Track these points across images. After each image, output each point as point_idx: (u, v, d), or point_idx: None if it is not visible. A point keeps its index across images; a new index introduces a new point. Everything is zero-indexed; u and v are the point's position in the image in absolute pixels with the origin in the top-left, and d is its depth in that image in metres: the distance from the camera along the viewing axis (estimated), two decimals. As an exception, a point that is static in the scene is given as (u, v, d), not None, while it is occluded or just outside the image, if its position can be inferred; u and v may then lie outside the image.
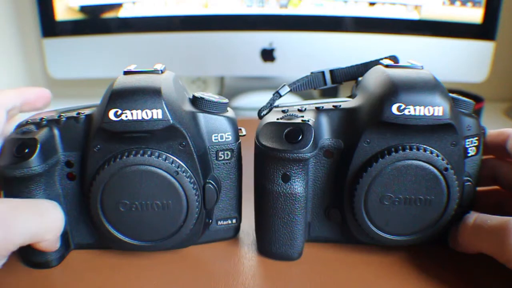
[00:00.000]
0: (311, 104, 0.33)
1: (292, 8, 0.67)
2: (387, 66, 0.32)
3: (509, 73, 0.82)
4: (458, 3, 0.64)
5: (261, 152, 0.31)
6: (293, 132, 0.30)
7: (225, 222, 0.35)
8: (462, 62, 0.67)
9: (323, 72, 0.37)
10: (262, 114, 0.34)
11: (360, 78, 0.35)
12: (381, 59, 0.35)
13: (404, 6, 0.65)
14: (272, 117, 0.32)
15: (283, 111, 0.33)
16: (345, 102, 0.33)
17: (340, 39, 0.68)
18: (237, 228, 0.36)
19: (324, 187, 0.33)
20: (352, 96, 0.35)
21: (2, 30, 0.81)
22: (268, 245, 0.33)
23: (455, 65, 0.67)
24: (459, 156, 0.30)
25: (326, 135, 0.32)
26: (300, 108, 0.33)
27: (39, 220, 0.28)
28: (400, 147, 0.30)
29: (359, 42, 0.67)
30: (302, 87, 0.37)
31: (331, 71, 0.37)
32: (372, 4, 0.66)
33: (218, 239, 0.35)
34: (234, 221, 0.35)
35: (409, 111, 0.28)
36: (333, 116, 0.32)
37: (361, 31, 0.67)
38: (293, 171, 0.31)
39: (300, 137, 0.30)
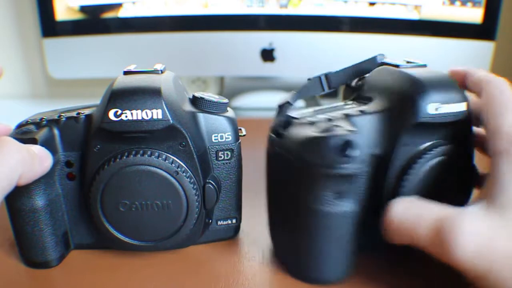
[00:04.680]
0: (330, 111, 0.31)
1: (292, 8, 0.67)
2: (397, 66, 0.32)
3: (509, 73, 0.82)
4: (458, 3, 0.64)
5: (307, 171, 0.28)
6: (345, 145, 0.27)
7: (225, 222, 0.35)
8: (462, 62, 0.67)
9: (319, 78, 0.35)
10: (285, 131, 0.30)
11: (367, 79, 0.34)
12: (373, 58, 0.34)
13: (404, 6, 0.65)
14: (306, 131, 0.28)
15: (311, 123, 0.29)
16: (364, 106, 0.31)
17: (340, 39, 0.68)
18: (237, 228, 0.36)
19: (365, 200, 0.30)
20: (359, 99, 0.33)
21: (2, 30, 0.81)
22: (311, 271, 0.30)
23: (455, 65, 0.67)
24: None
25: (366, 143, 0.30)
26: (329, 118, 0.30)
27: None
28: (433, 146, 0.30)
29: (359, 42, 0.67)
30: (304, 95, 0.35)
31: (327, 76, 0.35)
32: (372, 4, 0.66)
33: (218, 239, 0.35)
34: (234, 221, 0.35)
35: (442, 110, 0.29)
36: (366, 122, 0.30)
37: (361, 31, 0.67)
38: (346, 187, 0.28)
39: (353, 149, 0.27)
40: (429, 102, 0.29)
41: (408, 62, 0.33)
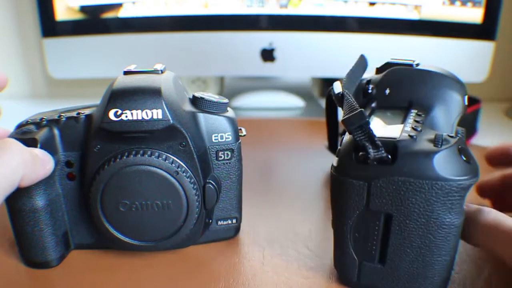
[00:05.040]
0: (394, 123, 0.29)
1: (292, 8, 0.67)
2: (412, 65, 0.33)
3: (509, 73, 0.82)
4: (458, 3, 0.64)
5: (442, 187, 0.25)
6: (464, 152, 0.26)
7: (225, 222, 0.35)
8: (462, 62, 0.67)
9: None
10: (393, 155, 0.26)
11: (389, 83, 0.33)
12: (362, 56, 0.35)
13: (404, 6, 0.65)
14: (422, 148, 0.26)
15: (412, 137, 0.27)
16: (415, 110, 0.30)
17: (340, 39, 0.68)
18: (237, 228, 0.36)
19: None
20: (386, 102, 0.32)
21: (2, 30, 0.81)
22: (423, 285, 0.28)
23: (455, 65, 0.67)
24: None
25: None
26: (415, 128, 0.28)
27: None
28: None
29: (359, 42, 0.67)
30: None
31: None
32: (372, 4, 0.66)
33: (218, 239, 0.35)
34: (234, 221, 0.35)
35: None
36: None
37: (361, 31, 0.67)
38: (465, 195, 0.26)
39: (470, 155, 0.27)
40: (465, 95, 0.32)
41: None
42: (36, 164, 0.28)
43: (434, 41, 0.66)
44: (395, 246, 0.27)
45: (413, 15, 0.66)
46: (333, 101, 0.40)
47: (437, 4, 0.65)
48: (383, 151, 0.26)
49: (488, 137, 0.61)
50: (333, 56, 0.68)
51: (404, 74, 0.33)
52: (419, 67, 0.33)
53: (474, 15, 0.64)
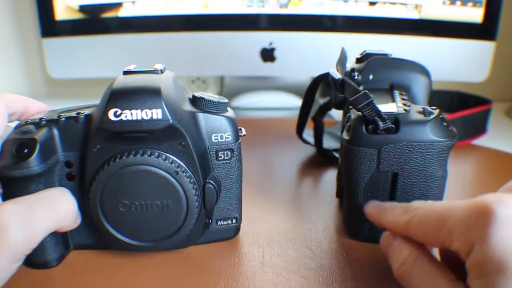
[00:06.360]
0: (384, 102, 0.35)
1: (292, 8, 0.67)
2: (387, 55, 0.39)
3: (509, 73, 0.82)
4: (458, 2, 0.64)
5: (436, 147, 0.31)
6: (448, 122, 0.33)
7: (225, 222, 0.35)
8: (462, 62, 0.67)
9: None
10: (396, 126, 0.32)
11: (373, 70, 0.38)
12: (343, 53, 0.40)
13: (404, 5, 0.65)
14: (416, 119, 0.32)
15: (406, 111, 0.33)
16: (397, 90, 0.37)
17: (340, 39, 0.68)
18: (237, 228, 0.36)
19: None
20: (372, 85, 0.38)
21: (2, 30, 0.81)
22: None
23: (455, 65, 0.67)
24: None
25: None
26: (405, 104, 0.35)
27: (53, 212, 0.29)
28: None
29: (359, 42, 0.67)
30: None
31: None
32: (372, 3, 0.66)
33: (218, 239, 0.35)
34: (234, 221, 0.35)
35: None
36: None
37: (361, 31, 0.67)
38: None
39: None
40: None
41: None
42: (76, 221, 0.32)
43: (434, 40, 0.66)
44: (400, 199, 0.32)
45: (413, 15, 0.66)
46: (314, 89, 0.49)
47: (437, 3, 0.65)
48: (389, 123, 0.31)
49: (488, 137, 0.61)
50: (333, 56, 0.68)
51: (384, 62, 0.39)
52: (392, 56, 0.40)
53: (475, 14, 0.64)
